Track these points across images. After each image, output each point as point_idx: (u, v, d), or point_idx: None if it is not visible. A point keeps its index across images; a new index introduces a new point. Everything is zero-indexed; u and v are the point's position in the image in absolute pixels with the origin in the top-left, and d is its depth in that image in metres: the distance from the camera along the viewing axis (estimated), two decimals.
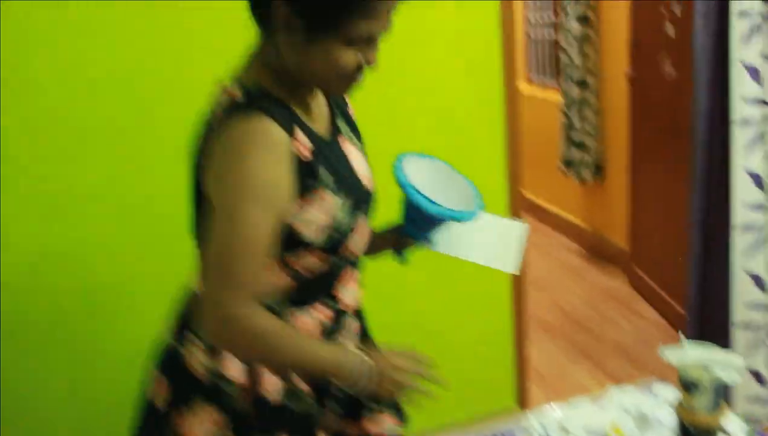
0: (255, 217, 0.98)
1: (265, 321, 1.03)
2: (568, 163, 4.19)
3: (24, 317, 1.97)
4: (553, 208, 4.70)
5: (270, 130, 1.00)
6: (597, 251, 4.18)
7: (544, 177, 4.65)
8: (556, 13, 4.42)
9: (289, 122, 1.03)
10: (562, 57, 4.07)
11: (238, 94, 1.04)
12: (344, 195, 1.09)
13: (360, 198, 1.13)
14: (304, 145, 1.04)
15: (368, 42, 1.03)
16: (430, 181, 1.23)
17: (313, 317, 1.15)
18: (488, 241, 1.34)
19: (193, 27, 1.94)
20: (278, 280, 1.10)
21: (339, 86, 1.09)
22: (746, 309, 2.19)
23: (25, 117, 1.87)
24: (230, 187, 0.99)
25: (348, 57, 1.02)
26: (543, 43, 4.79)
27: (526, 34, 4.99)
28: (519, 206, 2.32)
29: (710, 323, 2.36)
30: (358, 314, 1.30)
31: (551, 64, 4.66)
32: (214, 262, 1.01)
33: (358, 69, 1.06)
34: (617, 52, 3.70)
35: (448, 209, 1.18)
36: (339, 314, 1.18)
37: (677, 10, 2.93)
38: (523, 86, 4.95)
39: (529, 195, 4.86)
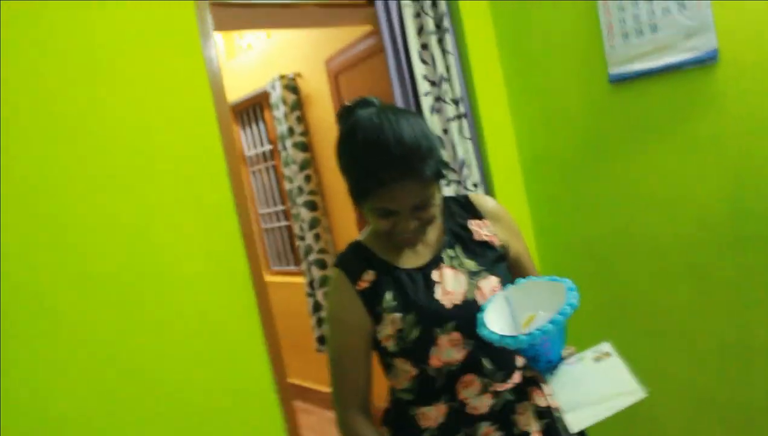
0: (336, 342, 1.34)
1: (359, 428, 1.31)
2: (321, 340, 4.26)
3: None
4: (321, 387, 4.67)
5: (339, 278, 1.33)
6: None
7: (305, 359, 4.64)
8: (284, 202, 4.70)
9: (359, 267, 1.32)
10: (298, 242, 4.28)
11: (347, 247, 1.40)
12: (408, 312, 1.28)
13: (430, 315, 1.28)
14: (365, 281, 1.31)
15: (388, 214, 1.23)
16: (519, 306, 1.25)
17: (433, 412, 1.32)
18: (600, 378, 1.22)
19: None
20: (397, 382, 1.35)
21: (391, 241, 1.30)
22: None
23: None
24: (325, 322, 1.33)
25: (378, 223, 1.26)
26: (276, 231, 5.02)
27: (258, 226, 5.18)
28: (288, 394, 2.25)
29: None
30: (505, 425, 1.33)
31: (290, 250, 4.86)
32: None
33: (394, 233, 1.26)
34: (347, 230, 4.01)
35: (508, 336, 1.16)
36: (457, 413, 1.31)
37: None
38: (266, 276, 5.06)
39: (295, 380, 4.79)
